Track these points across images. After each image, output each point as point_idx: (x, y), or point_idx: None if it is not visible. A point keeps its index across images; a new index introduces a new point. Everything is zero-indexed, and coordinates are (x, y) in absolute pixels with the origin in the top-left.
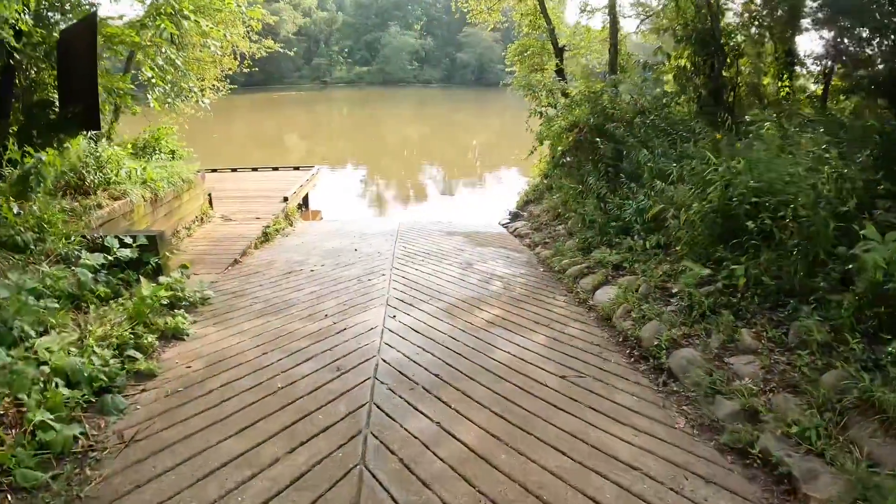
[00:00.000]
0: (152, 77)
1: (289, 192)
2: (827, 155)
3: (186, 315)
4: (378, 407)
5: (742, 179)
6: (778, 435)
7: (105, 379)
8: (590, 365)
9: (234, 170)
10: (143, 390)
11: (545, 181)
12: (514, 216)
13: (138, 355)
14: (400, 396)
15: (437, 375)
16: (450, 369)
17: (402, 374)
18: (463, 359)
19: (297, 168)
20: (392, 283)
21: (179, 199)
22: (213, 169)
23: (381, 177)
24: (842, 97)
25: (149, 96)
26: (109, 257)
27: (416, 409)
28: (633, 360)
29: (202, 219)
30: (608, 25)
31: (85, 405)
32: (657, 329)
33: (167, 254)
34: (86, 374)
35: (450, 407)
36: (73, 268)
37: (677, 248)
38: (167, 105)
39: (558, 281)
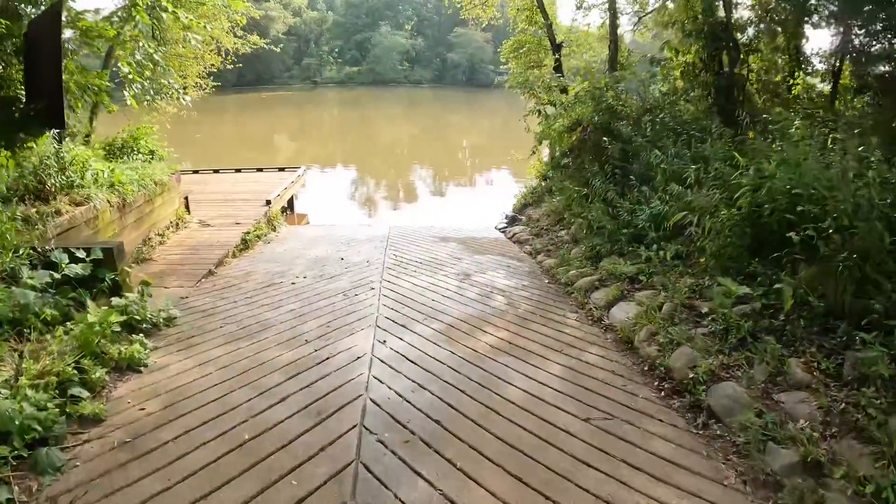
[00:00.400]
0: (129, 73)
1: (272, 195)
2: (871, 158)
3: (146, 341)
4: (366, 468)
5: (775, 184)
6: (849, 495)
7: (39, 429)
8: (616, 403)
9: (216, 171)
10: (86, 441)
11: (544, 183)
12: (512, 220)
13: (84, 394)
14: (393, 452)
15: (437, 422)
16: (452, 413)
17: (394, 419)
18: (467, 398)
19: (282, 169)
20: (382, 299)
21: (151, 203)
22: (194, 170)
23: (371, 178)
24: (849, 97)
25: (125, 93)
26: (57, 275)
27: (413, 470)
28: (664, 394)
29: (178, 224)
30: (607, 21)
31: (15, 462)
32: (689, 357)
33: (126, 268)
34: (17, 423)
35: (455, 466)
36: (13, 288)
37: (700, 260)
38: (146, 103)
39: (567, 294)
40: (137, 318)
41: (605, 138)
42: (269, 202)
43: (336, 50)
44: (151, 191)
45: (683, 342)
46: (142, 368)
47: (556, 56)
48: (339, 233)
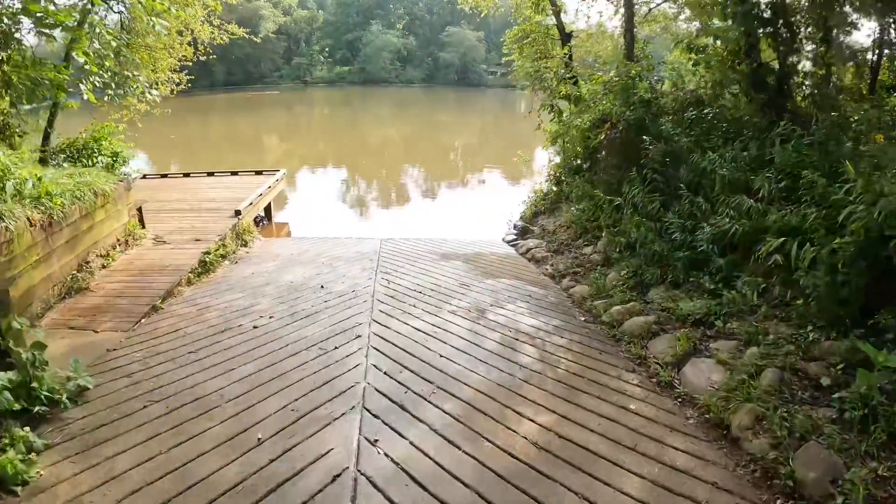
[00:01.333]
0: (85, 63)
1: (242, 205)
2: None
3: (33, 438)
4: None
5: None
6: None
7: None
8: None
9: (186, 175)
10: None
11: (556, 189)
12: (523, 231)
13: None
14: None
15: None
16: None
17: None
18: None
19: (259, 173)
20: (371, 356)
21: (90, 218)
22: (162, 174)
23: (362, 180)
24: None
25: (82, 86)
26: None
27: None
28: None
29: (127, 241)
30: (622, 10)
31: None
32: (825, 461)
33: (17, 322)
34: None
35: None
36: None
37: (797, 302)
38: (109, 99)
39: (614, 340)
40: (27, 396)
41: (643, 137)
42: (238, 212)
43: (326, 49)
44: (90, 203)
45: (810, 434)
46: (18, 490)
47: (568, 46)
48: (322, 248)
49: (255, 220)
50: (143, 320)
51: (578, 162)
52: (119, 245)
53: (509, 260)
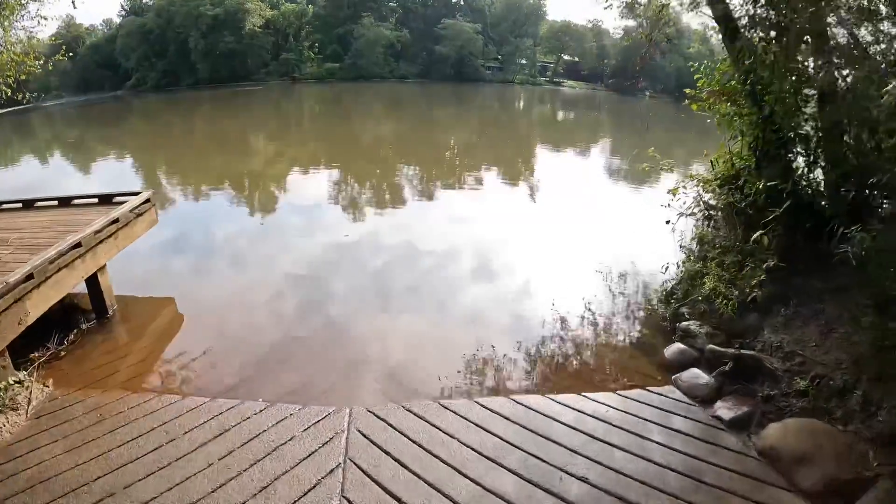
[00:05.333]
0: None
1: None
2: None
3: None
4: None
5: None
6: None
7: None
8: None
9: None
10: None
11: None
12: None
13: None
14: None
15: None
16: None
17: None
18: None
19: (108, 199)
20: None
21: None
22: None
23: (350, 189)
24: None
25: None
26: None
27: None
28: None
29: None
30: None
31: None
32: None
33: None
34: None
35: None
36: None
37: None
38: None
39: None
40: None
41: None
42: None
43: (316, 45)
44: None
45: None
46: None
47: None
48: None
49: (65, 306)
50: None
51: None
52: None
53: None
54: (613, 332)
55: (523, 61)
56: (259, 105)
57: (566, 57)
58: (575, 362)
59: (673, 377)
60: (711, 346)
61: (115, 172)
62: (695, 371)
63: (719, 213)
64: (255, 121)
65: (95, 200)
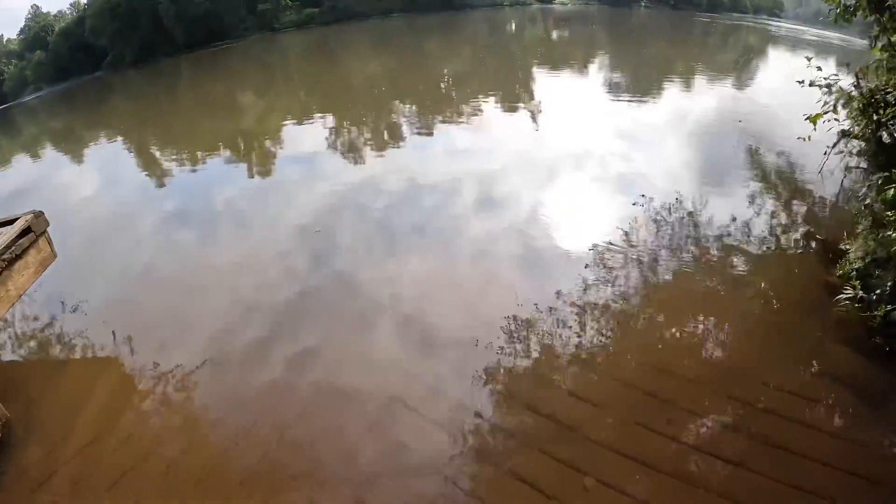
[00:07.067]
0: None
1: None
2: None
3: None
4: None
5: None
6: None
7: None
8: None
9: None
10: None
11: None
12: None
13: None
14: None
15: None
16: None
17: None
18: None
19: None
20: None
21: None
22: None
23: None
24: None
25: None
26: None
27: None
28: None
29: None
30: None
31: None
32: None
33: None
34: None
35: None
36: None
37: None
38: None
39: None
40: None
41: None
42: None
43: None
44: None
45: None
46: None
47: None
48: None
49: None
50: None
51: None
52: None
53: None
54: None
55: None
56: (241, 62)
57: None
58: None
59: None
60: None
61: (108, 157)
62: None
63: None
64: (241, 78)
65: None
